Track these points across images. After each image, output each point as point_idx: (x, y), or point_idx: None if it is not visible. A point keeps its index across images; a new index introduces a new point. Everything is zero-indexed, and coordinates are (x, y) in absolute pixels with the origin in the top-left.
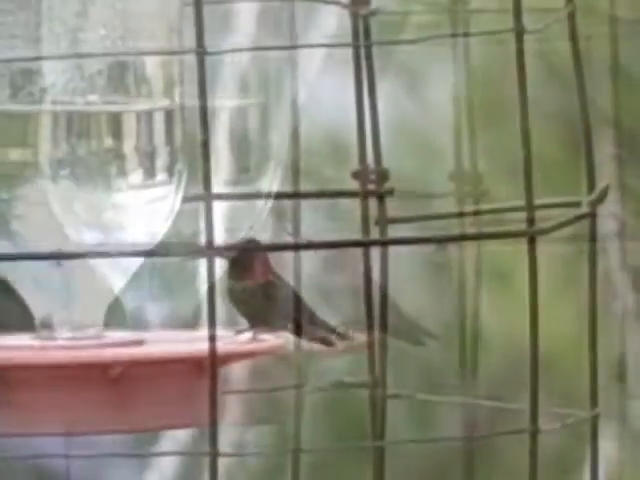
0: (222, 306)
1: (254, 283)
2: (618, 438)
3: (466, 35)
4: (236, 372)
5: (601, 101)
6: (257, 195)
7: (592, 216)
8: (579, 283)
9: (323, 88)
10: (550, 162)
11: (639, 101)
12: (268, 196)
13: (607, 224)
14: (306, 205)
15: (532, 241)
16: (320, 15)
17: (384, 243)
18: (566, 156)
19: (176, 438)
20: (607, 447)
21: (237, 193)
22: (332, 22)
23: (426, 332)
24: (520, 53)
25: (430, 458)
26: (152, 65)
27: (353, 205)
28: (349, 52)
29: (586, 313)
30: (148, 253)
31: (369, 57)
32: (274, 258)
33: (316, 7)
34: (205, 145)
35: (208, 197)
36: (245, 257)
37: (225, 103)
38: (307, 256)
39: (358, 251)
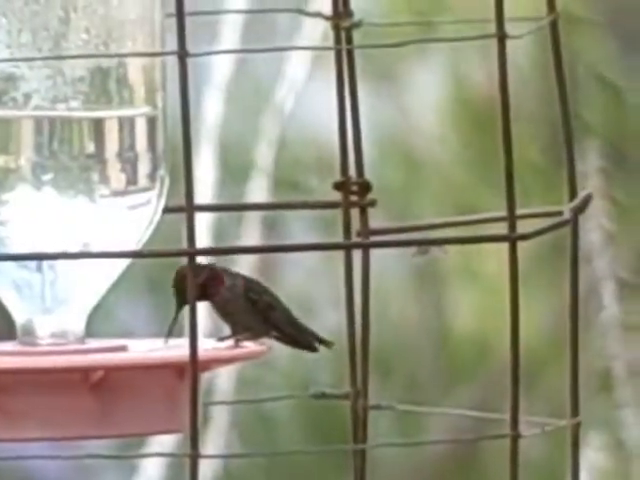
0: (205, 314)
1: (230, 293)
2: (604, 448)
3: (449, 40)
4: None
5: (587, 114)
6: (239, 207)
7: (574, 223)
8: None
9: (309, 99)
10: (533, 173)
11: (625, 114)
12: (249, 208)
13: (593, 235)
14: (289, 216)
15: (513, 247)
16: (305, 28)
17: (365, 246)
18: (549, 168)
19: (163, 443)
20: (593, 457)
21: (218, 204)
22: (318, 34)
23: (319, 338)
24: (502, 60)
25: (413, 472)
26: (134, 71)
27: (336, 217)
28: (333, 64)
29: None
30: (130, 255)
31: (351, 66)
32: (263, 270)
33: (301, 21)
34: (187, 152)
35: (190, 208)
36: (206, 281)
37: (113, 113)
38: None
39: None
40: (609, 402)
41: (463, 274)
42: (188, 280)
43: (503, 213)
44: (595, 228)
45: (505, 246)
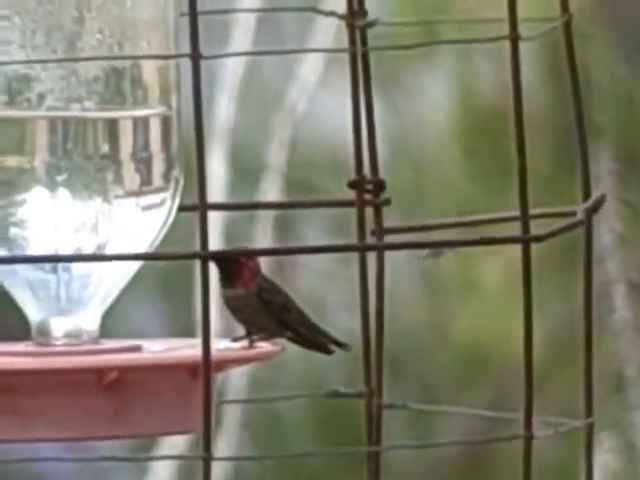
0: (220, 314)
1: (244, 290)
2: (616, 449)
3: (461, 42)
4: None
5: (598, 117)
6: (252, 205)
7: (587, 224)
8: (572, 292)
9: (322, 100)
10: (545, 177)
11: (637, 116)
12: (263, 206)
13: (605, 237)
14: (303, 217)
15: (527, 248)
16: (318, 29)
17: (380, 248)
18: (562, 171)
19: (174, 444)
20: (605, 458)
21: (231, 203)
22: (329, 36)
23: (334, 340)
24: (515, 61)
25: (425, 473)
26: (148, 71)
27: (350, 217)
28: (347, 64)
29: (581, 322)
30: (144, 257)
31: (366, 66)
32: (275, 271)
33: (314, 21)
34: (200, 152)
35: (203, 207)
36: (233, 264)
37: (127, 113)
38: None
39: None
40: (621, 404)
41: (470, 277)
42: (201, 281)
43: (515, 213)
44: (607, 230)
45: (512, 248)
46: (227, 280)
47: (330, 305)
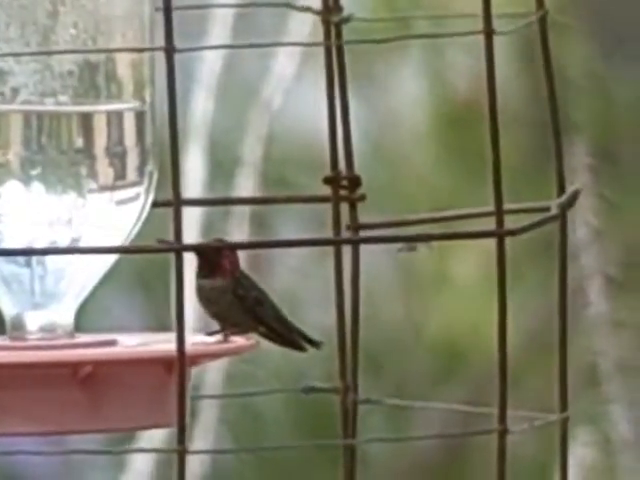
0: (194, 309)
1: (222, 281)
2: (592, 443)
3: (437, 36)
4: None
5: (574, 111)
6: (227, 200)
7: (562, 219)
8: (546, 286)
9: (298, 96)
10: (520, 172)
11: (612, 110)
12: (241, 202)
13: (580, 231)
14: (278, 213)
15: (501, 242)
16: (294, 25)
17: (355, 242)
18: (536, 166)
19: (152, 438)
20: (581, 452)
21: (206, 198)
22: (305, 32)
23: (307, 338)
24: (490, 55)
25: (401, 470)
26: (123, 66)
27: (325, 213)
28: (322, 59)
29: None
30: (119, 250)
31: (341, 61)
32: (250, 267)
33: (290, 17)
34: (174, 146)
35: (177, 201)
36: (213, 255)
37: (102, 107)
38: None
39: None
40: (596, 398)
41: (445, 272)
42: (176, 275)
43: (490, 208)
44: (582, 224)
45: (487, 244)
46: (205, 270)
47: (304, 302)
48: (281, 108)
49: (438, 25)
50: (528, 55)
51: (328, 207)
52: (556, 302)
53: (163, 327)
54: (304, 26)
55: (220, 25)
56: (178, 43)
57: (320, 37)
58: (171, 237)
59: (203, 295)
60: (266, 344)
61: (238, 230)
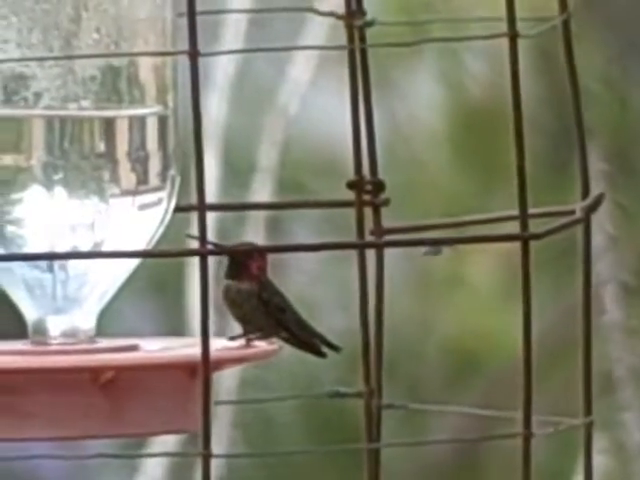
0: (214, 314)
1: (249, 285)
2: (606, 450)
3: (460, 39)
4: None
5: (590, 117)
6: (249, 206)
7: (586, 222)
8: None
9: (314, 101)
10: (536, 176)
11: (628, 117)
12: (260, 207)
13: (596, 238)
14: (294, 218)
15: (525, 246)
16: (309, 30)
17: (380, 245)
18: (552, 170)
19: (165, 442)
20: (596, 459)
21: (228, 203)
22: (321, 37)
23: (327, 342)
24: (514, 59)
25: (418, 475)
26: (145, 70)
27: (347, 218)
28: (340, 64)
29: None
30: (141, 254)
31: (365, 65)
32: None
33: (305, 22)
34: (198, 151)
35: (201, 206)
36: (243, 258)
37: (124, 112)
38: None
39: None
40: (611, 404)
41: (462, 275)
42: (200, 279)
43: (514, 212)
44: (598, 231)
45: (504, 247)
46: (234, 271)
47: (320, 306)
48: (297, 113)
49: (456, 29)
50: (541, 59)
51: (342, 212)
52: (572, 307)
53: (176, 332)
54: (319, 32)
55: (234, 30)
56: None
57: (337, 42)
58: (188, 243)
59: (229, 297)
60: (282, 349)
61: (254, 235)
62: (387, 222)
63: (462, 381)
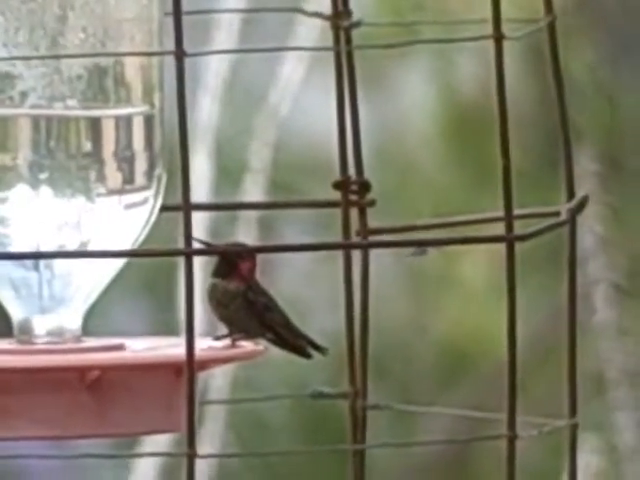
0: (202, 313)
1: (236, 285)
2: (598, 450)
3: (447, 41)
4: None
5: (579, 118)
6: (237, 206)
7: (571, 224)
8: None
9: (305, 101)
10: (526, 176)
11: (618, 117)
12: (248, 207)
13: (586, 239)
14: (285, 218)
15: (511, 247)
16: (301, 30)
17: (365, 246)
18: (542, 170)
19: (157, 442)
20: (586, 459)
21: (216, 203)
22: (312, 37)
23: (313, 344)
24: (499, 61)
25: (406, 476)
26: (132, 70)
27: (337, 218)
28: (331, 65)
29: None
30: (128, 254)
31: (351, 66)
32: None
33: (296, 22)
34: (184, 150)
35: (187, 205)
36: (232, 258)
37: (110, 112)
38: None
39: None
40: (602, 405)
41: (452, 275)
42: (185, 279)
43: (499, 213)
44: (587, 232)
45: (494, 248)
46: (222, 270)
47: (309, 306)
48: (288, 113)
49: (445, 30)
50: (533, 59)
51: (334, 212)
52: (560, 308)
53: (166, 331)
54: (311, 32)
55: (226, 30)
56: (185, 47)
57: (328, 42)
58: (177, 242)
59: (214, 296)
60: (272, 349)
61: (245, 235)
62: (378, 222)
63: (454, 381)
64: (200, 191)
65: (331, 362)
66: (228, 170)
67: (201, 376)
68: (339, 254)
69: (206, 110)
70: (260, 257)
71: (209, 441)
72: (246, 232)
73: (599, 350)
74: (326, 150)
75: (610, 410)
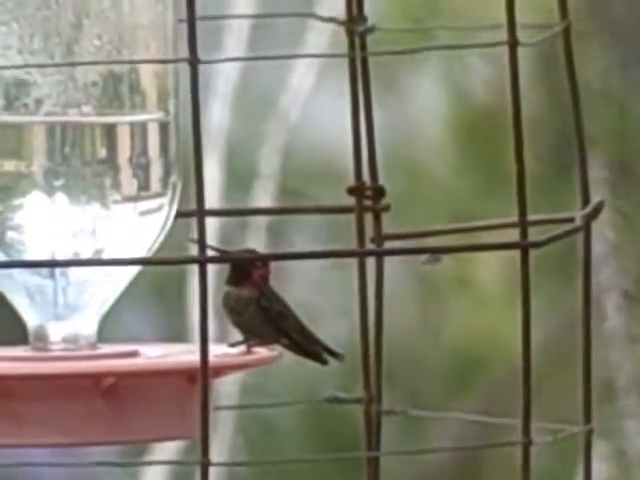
0: (215, 319)
1: (249, 292)
2: (608, 457)
3: (461, 47)
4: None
5: (591, 125)
6: (249, 211)
7: (586, 230)
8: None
9: (316, 107)
10: (538, 182)
11: (629, 125)
12: (261, 212)
13: (597, 246)
14: (295, 224)
15: (525, 254)
16: (312, 35)
17: (380, 253)
18: (554, 176)
19: (166, 449)
20: (596, 467)
21: (229, 209)
22: (323, 43)
23: (328, 350)
24: (514, 66)
25: None
26: (146, 77)
27: (349, 224)
28: (342, 70)
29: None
30: (143, 261)
31: (365, 72)
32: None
33: (307, 28)
34: (198, 157)
35: (201, 212)
36: (245, 265)
37: (125, 118)
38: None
39: None
40: (612, 412)
41: (464, 282)
42: (199, 286)
43: (513, 219)
44: (599, 239)
45: (506, 252)
46: (235, 278)
47: (320, 313)
48: (298, 119)
49: (458, 35)
50: (544, 64)
51: (342, 218)
52: (572, 314)
53: (176, 337)
54: (322, 37)
55: (236, 36)
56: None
57: (339, 48)
58: (189, 249)
59: (228, 303)
60: (284, 356)
61: (255, 241)
62: (391, 227)
63: (466, 387)
64: (211, 197)
65: (340, 368)
66: (238, 176)
67: (214, 382)
68: (352, 260)
69: (217, 116)
70: (272, 264)
71: (219, 447)
72: (256, 239)
73: (609, 357)
74: (336, 156)
75: (620, 417)
